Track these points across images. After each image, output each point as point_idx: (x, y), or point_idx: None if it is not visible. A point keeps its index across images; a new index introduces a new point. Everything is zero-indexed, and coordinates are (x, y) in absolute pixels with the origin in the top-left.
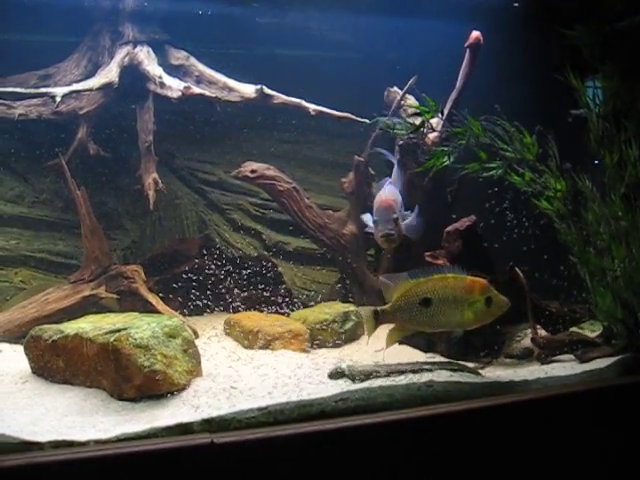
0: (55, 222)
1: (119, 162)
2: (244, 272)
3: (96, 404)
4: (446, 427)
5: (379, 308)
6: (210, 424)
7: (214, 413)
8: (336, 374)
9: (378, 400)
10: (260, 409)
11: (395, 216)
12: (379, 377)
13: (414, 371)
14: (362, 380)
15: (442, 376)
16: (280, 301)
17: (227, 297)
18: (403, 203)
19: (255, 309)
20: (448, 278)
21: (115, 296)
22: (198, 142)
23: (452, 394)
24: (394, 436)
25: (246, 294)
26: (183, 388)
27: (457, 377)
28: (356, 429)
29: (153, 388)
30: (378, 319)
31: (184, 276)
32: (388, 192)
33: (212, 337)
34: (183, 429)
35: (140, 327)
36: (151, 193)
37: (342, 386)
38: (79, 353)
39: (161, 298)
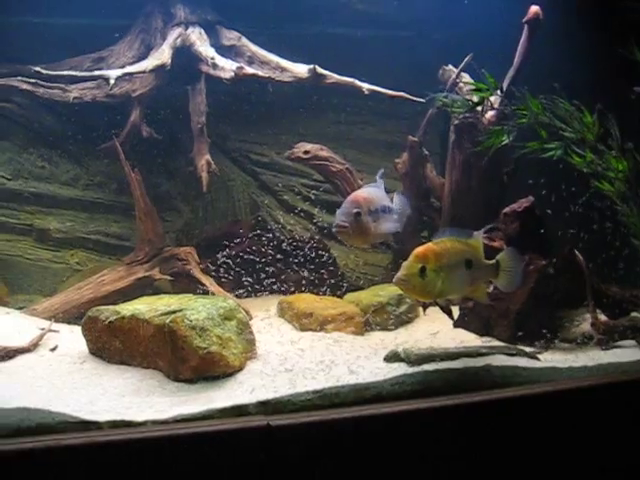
0: (109, 204)
1: (172, 144)
2: (297, 254)
3: (153, 385)
4: (504, 413)
5: None
6: (266, 406)
7: (270, 395)
8: (392, 357)
9: (435, 384)
10: (315, 392)
11: (356, 211)
12: (435, 361)
13: (471, 355)
14: (418, 364)
15: (499, 361)
16: (333, 283)
17: (280, 279)
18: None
19: (308, 291)
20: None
21: (169, 278)
22: (251, 123)
23: (510, 379)
24: (451, 421)
25: (299, 276)
26: (238, 370)
27: (514, 362)
28: (413, 413)
29: (209, 369)
30: None
31: (237, 258)
32: (363, 190)
33: (265, 319)
34: (239, 411)
35: (195, 309)
36: (204, 175)
37: (398, 370)
38: (135, 334)
39: (215, 280)
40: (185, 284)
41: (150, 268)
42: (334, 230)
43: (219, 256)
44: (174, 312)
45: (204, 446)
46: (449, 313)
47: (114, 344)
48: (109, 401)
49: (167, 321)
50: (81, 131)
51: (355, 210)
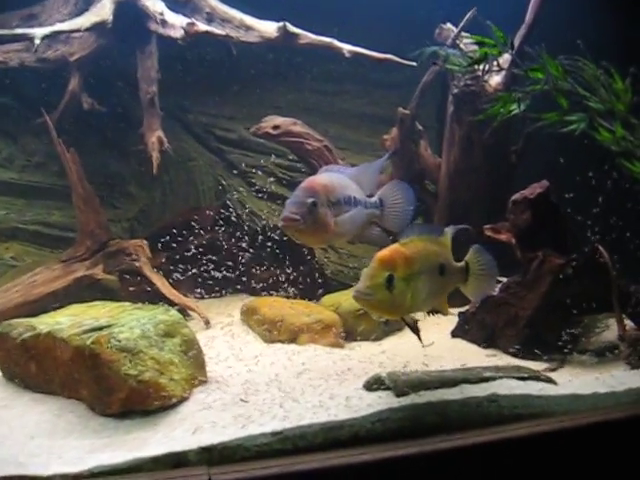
0: (50, 189)
1: (122, 118)
2: (268, 246)
3: (71, 422)
4: (515, 456)
5: None
6: (210, 453)
7: (216, 439)
8: (374, 384)
9: (427, 420)
10: (275, 433)
11: (311, 200)
12: (429, 389)
13: (472, 381)
14: (407, 393)
15: (507, 387)
16: (309, 281)
17: (247, 276)
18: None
19: (281, 289)
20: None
21: (113, 277)
22: (214, 93)
23: (520, 412)
24: (448, 470)
25: (270, 272)
26: (181, 400)
27: (526, 388)
28: (398, 461)
29: (142, 402)
30: None
31: (198, 251)
32: (325, 175)
33: (226, 326)
34: (175, 460)
35: (127, 324)
36: (155, 154)
37: (381, 401)
38: (52, 356)
39: (170, 277)
40: (135, 283)
41: (92, 265)
42: (281, 224)
43: (176, 249)
44: (100, 329)
45: None
46: (416, 331)
47: (29, 367)
48: (14, 445)
49: (88, 342)
50: (15, 103)
51: (310, 200)
